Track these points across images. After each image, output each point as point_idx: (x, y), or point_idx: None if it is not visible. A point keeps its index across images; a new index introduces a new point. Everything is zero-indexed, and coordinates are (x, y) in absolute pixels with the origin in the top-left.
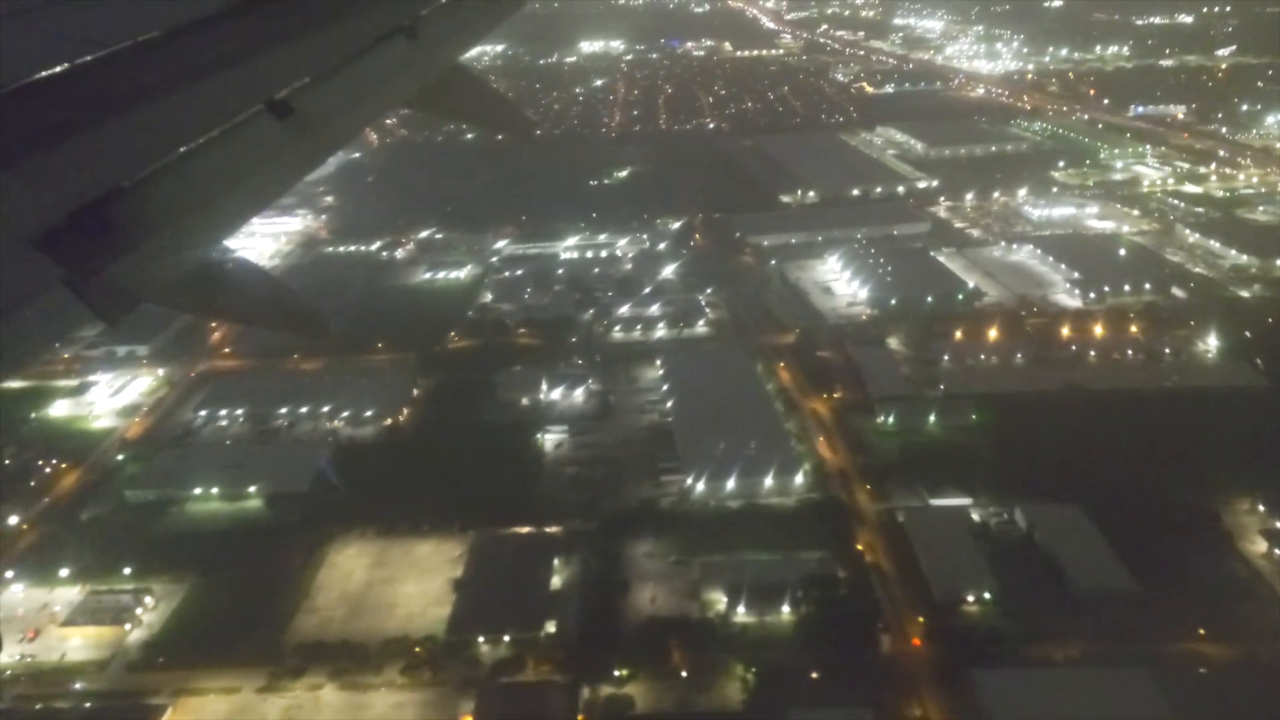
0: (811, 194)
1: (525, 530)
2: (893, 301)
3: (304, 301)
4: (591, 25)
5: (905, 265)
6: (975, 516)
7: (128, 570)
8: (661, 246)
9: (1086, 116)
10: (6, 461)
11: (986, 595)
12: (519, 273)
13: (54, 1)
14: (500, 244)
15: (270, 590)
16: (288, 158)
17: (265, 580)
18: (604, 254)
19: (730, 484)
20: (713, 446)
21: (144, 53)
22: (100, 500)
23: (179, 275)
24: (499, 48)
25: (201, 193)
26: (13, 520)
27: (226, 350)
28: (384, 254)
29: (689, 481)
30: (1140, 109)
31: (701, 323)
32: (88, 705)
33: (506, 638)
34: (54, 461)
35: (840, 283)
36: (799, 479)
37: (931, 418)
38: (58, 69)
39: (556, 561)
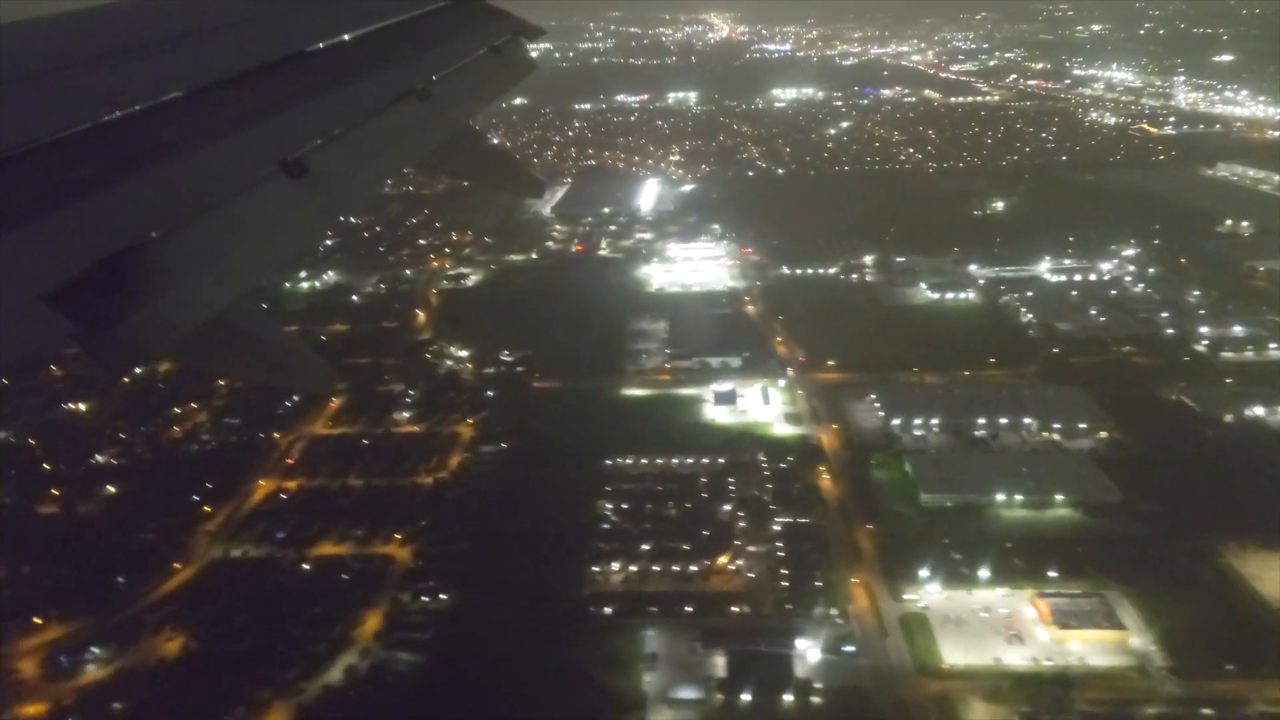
0: (1245, 224)
1: None
2: None
3: (312, 356)
4: (768, 76)
5: None
6: None
7: (1053, 574)
8: (1151, 271)
9: None
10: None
11: None
12: (1029, 294)
13: (78, 63)
14: (972, 267)
15: (1208, 599)
16: (301, 217)
17: (1185, 589)
18: (1092, 277)
19: None
20: None
21: (164, 112)
22: (896, 504)
23: (189, 332)
24: (692, 95)
25: (214, 251)
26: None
27: (830, 363)
28: (849, 276)
29: None
30: None
31: None
32: (1208, 712)
33: None
34: (788, 461)
35: None
36: None
37: None
38: (80, 128)
39: None
